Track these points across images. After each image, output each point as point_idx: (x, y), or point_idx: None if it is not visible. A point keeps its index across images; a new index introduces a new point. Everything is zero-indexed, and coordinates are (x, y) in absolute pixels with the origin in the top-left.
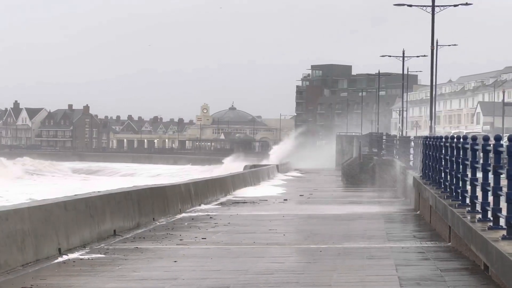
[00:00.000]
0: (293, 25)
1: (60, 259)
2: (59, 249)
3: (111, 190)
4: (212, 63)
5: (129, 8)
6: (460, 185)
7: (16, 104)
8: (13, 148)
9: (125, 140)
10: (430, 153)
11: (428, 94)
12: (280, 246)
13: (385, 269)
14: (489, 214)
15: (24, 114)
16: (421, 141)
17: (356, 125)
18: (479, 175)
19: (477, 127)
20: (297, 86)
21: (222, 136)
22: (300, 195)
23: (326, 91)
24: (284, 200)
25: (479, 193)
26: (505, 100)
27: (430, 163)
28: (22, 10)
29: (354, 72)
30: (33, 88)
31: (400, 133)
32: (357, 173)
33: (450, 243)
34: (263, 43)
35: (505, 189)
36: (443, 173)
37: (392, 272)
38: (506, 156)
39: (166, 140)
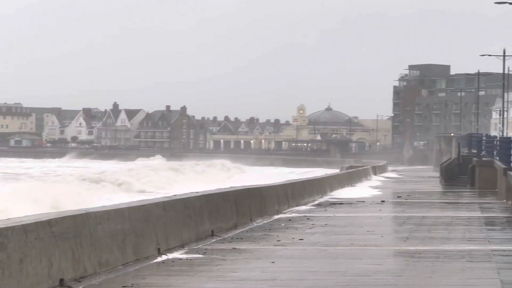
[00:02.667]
0: (390, 25)
1: (159, 259)
2: (158, 249)
3: (209, 191)
4: (308, 64)
5: (220, 9)
6: None
7: (115, 105)
8: (112, 149)
9: (221, 141)
10: None
11: None
12: (378, 247)
13: (486, 272)
14: None
15: (123, 115)
16: None
17: (455, 126)
18: None
19: None
20: (394, 87)
21: (319, 137)
22: (398, 197)
23: (424, 91)
24: (382, 201)
25: None
26: None
27: None
28: (122, 18)
29: (452, 72)
30: (131, 89)
31: (501, 133)
32: (456, 174)
33: None
34: (360, 42)
35: None
36: None
37: (494, 275)
38: None
39: (263, 141)
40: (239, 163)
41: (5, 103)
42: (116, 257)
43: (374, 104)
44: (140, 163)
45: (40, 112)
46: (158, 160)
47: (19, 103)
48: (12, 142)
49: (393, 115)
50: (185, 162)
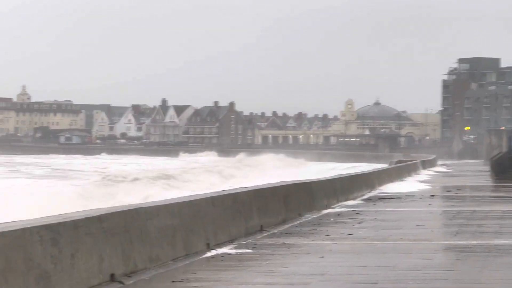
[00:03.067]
0: (439, 18)
1: (208, 254)
2: (208, 244)
3: (257, 186)
4: (355, 59)
5: (264, 5)
6: None
7: (164, 101)
8: (161, 145)
9: (270, 136)
10: None
11: None
12: (428, 242)
13: None
14: None
15: (171, 111)
16: None
17: (505, 119)
18: None
19: None
20: (443, 80)
21: (367, 132)
22: (447, 191)
23: (473, 84)
24: (431, 195)
25: None
26: None
27: None
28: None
29: (502, 65)
30: (180, 85)
31: None
32: (507, 168)
33: None
34: (409, 36)
35: None
36: None
37: None
38: None
39: (311, 136)
40: (292, 157)
41: (55, 100)
42: (166, 252)
43: (422, 98)
44: (192, 159)
45: (89, 109)
46: (210, 156)
47: (69, 100)
48: (62, 139)
49: (442, 109)
50: (245, 157)
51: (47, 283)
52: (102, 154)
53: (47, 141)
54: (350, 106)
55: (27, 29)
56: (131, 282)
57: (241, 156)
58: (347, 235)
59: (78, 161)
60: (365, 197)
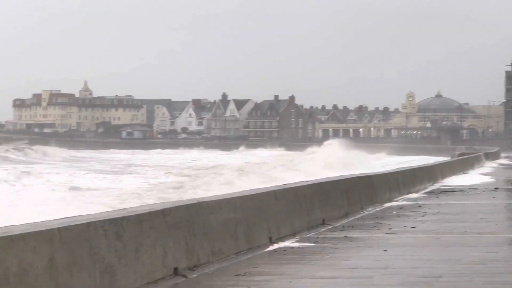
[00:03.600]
0: (501, 7)
1: (271, 248)
2: (270, 238)
3: (319, 179)
4: (416, 50)
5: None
6: None
7: (224, 96)
8: (222, 139)
9: (330, 129)
10: None
11: None
12: (493, 235)
13: None
14: None
15: (232, 105)
16: None
17: None
18: None
19: None
20: (507, 72)
21: (429, 124)
22: None
23: None
24: (495, 188)
25: None
26: None
27: None
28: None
29: None
30: (240, 80)
31: None
32: None
33: None
34: (470, 26)
35: None
36: None
37: None
38: None
39: (372, 129)
40: (366, 152)
41: (117, 95)
42: (229, 246)
43: (485, 90)
44: (258, 153)
45: (150, 104)
46: (274, 151)
47: (130, 95)
48: (124, 134)
49: (505, 100)
50: (317, 150)
51: (112, 277)
52: (180, 148)
53: (109, 136)
54: (411, 99)
55: (86, 28)
56: (194, 275)
57: (313, 149)
58: (410, 228)
59: (159, 156)
60: (427, 190)
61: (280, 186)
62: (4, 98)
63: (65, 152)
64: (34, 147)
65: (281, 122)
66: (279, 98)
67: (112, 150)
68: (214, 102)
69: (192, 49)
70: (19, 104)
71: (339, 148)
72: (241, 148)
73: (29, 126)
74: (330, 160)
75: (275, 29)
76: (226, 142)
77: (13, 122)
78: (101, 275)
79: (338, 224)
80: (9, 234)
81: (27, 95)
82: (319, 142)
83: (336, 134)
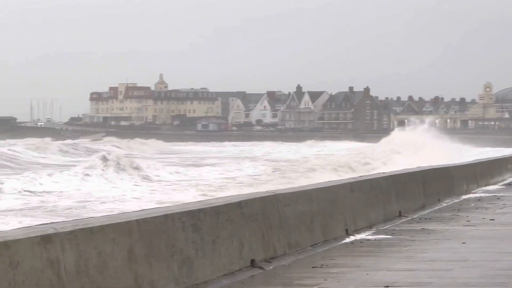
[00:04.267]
0: None
1: (347, 240)
2: (346, 230)
3: (395, 171)
4: (494, 40)
5: None
6: None
7: (298, 88)
8: (297, 131)
9: (405, 121)
10: None
11: None
12: None
13: None
14: None
15: (306, 97)
16: None
17: None
18: None
19: None
20: None
21: (507, 115)
22: None
23: None
24: None
25: None
26: None
27: None
28: None
29: None
30: (314, 71)
31: None
32: None
33: None
34: None
35: None
36: None
37: None
38: None
39: (448, 120)
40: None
41: (192, 88)
42: (305, 238)
43: None
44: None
45: (225, 96)
46: (352, 143)
47: (205, 88)
48: (199, 126)
49: None
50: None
51: (190, 268)
52: (266, 142)
53: (184, 128)
54: (488, 89)
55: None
56: (271, 267)
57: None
58: (489, 220)
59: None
60: (506, 182)
61: (356, 178)
62: (81, 92)
63: (161, 145)
64: (133, 140)
65: (356, 113)
66: (354, 90)
67: (203, 143)
68: (289, 94)
69: (266, 42)
70: (95, 97)
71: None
72: (312, 141)
73: (105, 119)
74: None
75: (349, 19)
76: (301, 134)
77: (90, 115)
78: (179, 266)
79: (415, 216)
80: (89, 226)
81: (103, 88)
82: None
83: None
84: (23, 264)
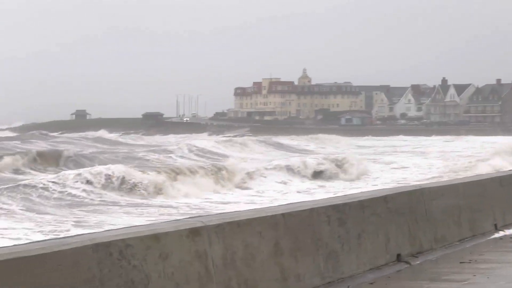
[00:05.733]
0: None
1: (496, 235)
2: (495, 225)
3: None
4: None
5: None
6: None
7: (444, 81)
8: (442, 125)
9: None
10: None
11: None
12: None
13: None
14: None
15: (452, 90)
16: None
17: None
18: None
19: None
20: None
21: None
22: None
23: None
24: None
25: None
26: None
27: None
28: None
29: None
30: (460, 64)
31: None
32: None
33: None
34: None
35: None
36: None
37: None
38: None
39: None
40: None
41: (335, 82)
42: (452, 232)
43: None
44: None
45: (369, 90)
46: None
47: (349, 82)
48: (342, 121)
49: None
50: None
51: (336, 262)
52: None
53: (328, 123)
54: None
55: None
56: (417, 262)
57: None
58: None
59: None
60: None
61: (506, 172)
62: (225, 87)
63: (343, 140)
64: (317, 136)
65: (503, 106)
66: (502, 82)
67: (394, 137)
68: (434, 87)
69: (410, 35)
70: (240, 92)
71: None
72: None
73: (249, 114)
74: None
75: (495, 18)
76: (446, 127)
77: (235, 110)
78: (324, 261)
79: None
80: (236, 219)
81: (247, 83)
82: None
83: None
84: (172, 256)
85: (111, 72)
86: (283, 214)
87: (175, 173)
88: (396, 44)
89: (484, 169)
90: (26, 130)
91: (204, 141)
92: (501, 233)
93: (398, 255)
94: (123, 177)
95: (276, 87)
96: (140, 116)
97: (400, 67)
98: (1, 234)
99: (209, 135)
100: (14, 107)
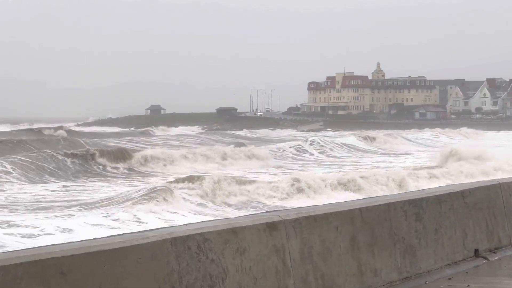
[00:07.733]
0: None
1: None
2: None
3: None
4: None
5: None
6: None
7: None
8: None
9: None
10: None
11: None
12: None
13: None
14: None
15: None
16: None
17: None
18: None
19: None
20: None
21: None
22: None
23: None
24: None
25: None
26: None
27: None
28: None
29: None
30: None
31: None
32: None
33: None
34: None
35: None
36: None
37: None
38: None
39: None
40: None
41: (409, 76)
42: None
43: None
44: None
45: (443, 84)
46: None
47: (423, 76)
48: (416, 115)
49: None
50: None
51: (412, 257)
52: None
53: (401, 117)
54: None
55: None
56: (495, 258)
57: None
58: None
59: None
60: None
61: None
62: (299, 82)
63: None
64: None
65: None
66: None
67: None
68: (510, 81)
69: (485, 31)
70: (313, 87)
71: None
72: None
73: (323, 108)
74: None
75: None
76: None
77: (308, 105)
78: (401, 255)
79: None
80: (312, 214)
81: (321, 78)
82: None
83: None
84: (249, 250)
85: (180, 73)
86: (359, 209)
87: None
88: (471, 38)
89: None
90: (112, 124)
91: (348, 137)
92: None
93: (476, 251)
94: None
95: (350, 81)
96: (214, 111)
97: (475, 61)
98: None
99: (283, 129)
100: (90, 104)
